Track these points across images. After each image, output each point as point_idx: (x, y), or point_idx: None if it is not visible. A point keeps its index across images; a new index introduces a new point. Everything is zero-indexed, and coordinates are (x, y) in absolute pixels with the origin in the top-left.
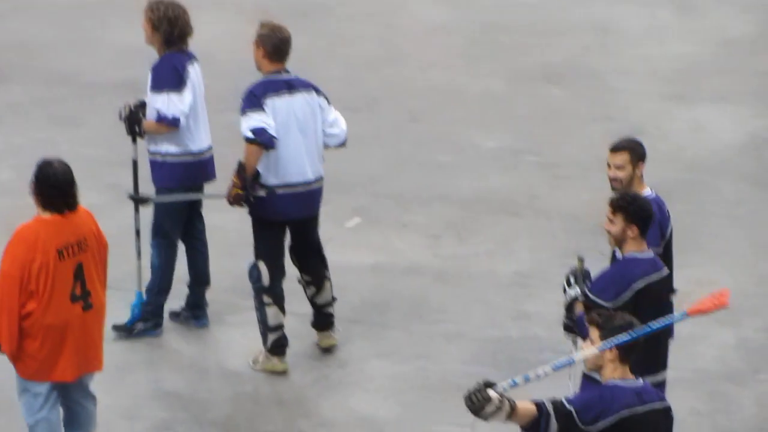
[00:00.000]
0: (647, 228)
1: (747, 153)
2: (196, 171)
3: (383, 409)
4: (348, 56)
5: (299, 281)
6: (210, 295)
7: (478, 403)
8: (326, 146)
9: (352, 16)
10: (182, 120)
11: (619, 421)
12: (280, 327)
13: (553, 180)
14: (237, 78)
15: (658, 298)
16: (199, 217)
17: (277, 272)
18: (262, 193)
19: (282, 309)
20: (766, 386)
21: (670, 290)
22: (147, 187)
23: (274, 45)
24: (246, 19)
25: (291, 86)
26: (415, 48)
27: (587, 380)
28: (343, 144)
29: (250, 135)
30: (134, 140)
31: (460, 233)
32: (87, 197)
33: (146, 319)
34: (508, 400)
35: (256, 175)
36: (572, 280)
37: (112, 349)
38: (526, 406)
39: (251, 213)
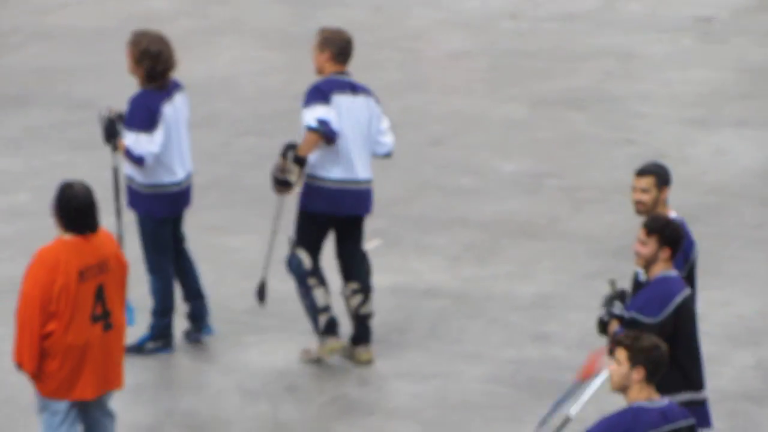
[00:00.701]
0: (678, 251)
1: (766, 177)
2: (167, 203)
3: (402, 428)
4: (370, 81)
5: (342, 293)
6: (228, 315)
7: None
8: (374, 154)
9: (374, 43)
10: (149, 159)
11: None
12: (328, 307)
13: (574, 203)
14: (257, 102)
15: (692, 314)
16: (181, 236)
17: (316, 256)
18: (294, 178)
19: (328, 290)
20: None
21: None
22: None
23: (340, 47)
24: (266, 45)
25: (354, 88)
26: (436, 73)
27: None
28: (389, 155)
29: (314, 124)
30: (113, 149)
31: (480, 256)
32: (104, 220)
33: (156, 339)
34: None
35: (303, 162)
36: (615, 301)
37: (128, 367)
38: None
39: (300, 203)
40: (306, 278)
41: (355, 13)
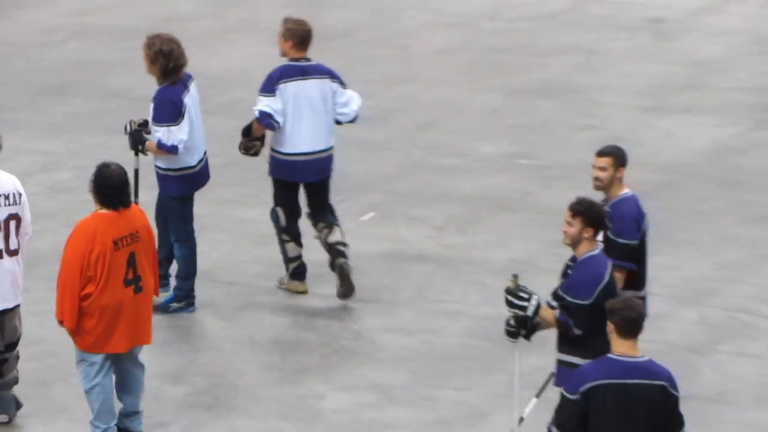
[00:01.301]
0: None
1: (711, 158)
2: (191, 182)
3: (392, 375)
4: (365, 74)
5: (316, 237)
6: (242, 278)
7: None
8: (339, 123)
9: (369, 40)
10: (180, 147)
11: (591, 388)
12: (298, 257)
13: (543, 180)
14: None
15: (614, 288)
16: None
17: (292, 216)
18: (257, 150)
19: (299, 244)
20: (723, 356)
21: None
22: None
23: (301, 36)
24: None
25: (305, 72)
26: (424, 67)
27: (563, 366)
28: (353, 121)
29: (256, 115)
30: (136, 154)
31: (460, 226)
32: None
33: (180, 300)
34: None
35: (260, 138)
36: (523, 294)
37: (155, 325)
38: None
39: (271, 174)
40: (281, 233)
41: (354, 14)
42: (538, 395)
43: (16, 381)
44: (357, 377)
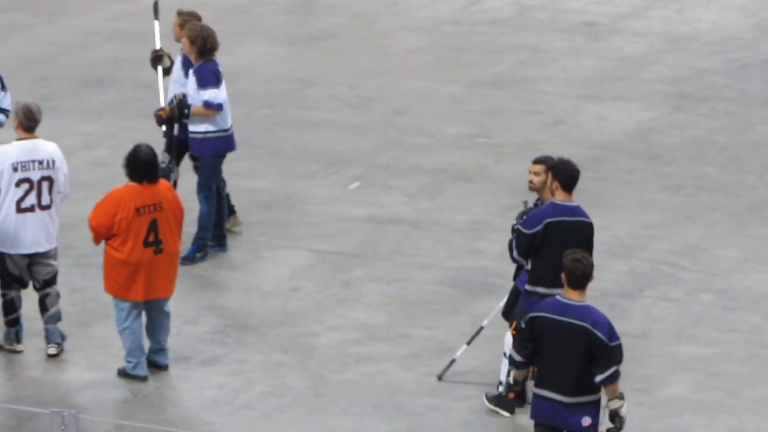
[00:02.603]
0: (569, 185)
1: (636, 136)
2: (226, 143)
3: (374, 317)
4: (349, 68)
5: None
6: (249, 236)
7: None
8: None
9: (352, 41)
10: (225, 105)
11: (535, 318)
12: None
13: (497, 156)
14: (270, 84)
15: (566, 236)
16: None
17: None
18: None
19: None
20: (649, 301)
21: (586, 235)
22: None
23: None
24: (276, 43)
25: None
26: (398, 63)
27: (529, 295)
28: None
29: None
30: (179, 121)
31: (429, 194)
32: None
33: (200, 250)
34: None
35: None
36: (524, 215)
37: (181, 274)
38: None
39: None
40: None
41: (339, 19)
42: (468, 343)
43: (59, 316)
44: (345, 318)
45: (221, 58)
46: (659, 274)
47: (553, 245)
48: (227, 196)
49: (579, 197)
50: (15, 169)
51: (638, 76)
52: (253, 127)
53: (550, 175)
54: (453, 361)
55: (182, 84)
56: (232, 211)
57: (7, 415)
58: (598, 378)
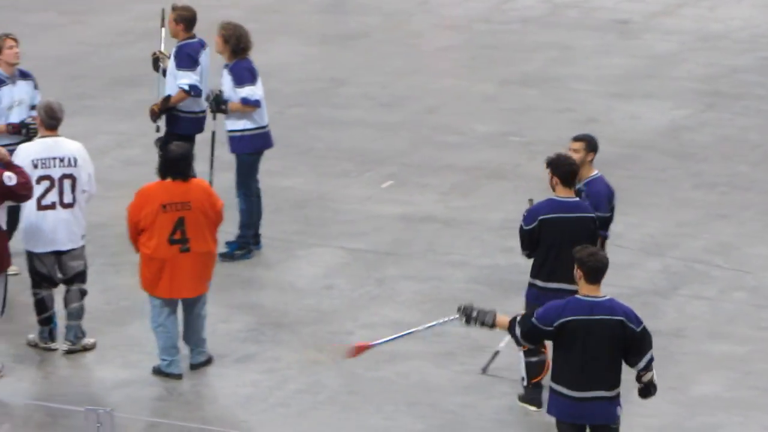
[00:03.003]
0: (568, 179)
1: (668, 135)
2: (264, 140)
3: (408, 315)
4: (382, 67)
5: None
6: (283, 235)
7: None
8: None
9: (386, 40)
10: (261, 101)
11: (565, 322)
12: None
13: (530, 154)
14: (302, 83)
15: (561, 232)
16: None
17: None
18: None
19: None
20: (682, 299)
21: (586, 230)
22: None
23: (189, 20)
24: (308, 42)
25: (202, 44)
26: (431, 62)
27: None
28: None
29: (187, 88)
30: (214, 117)
31: (463, 192)
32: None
33: (241, 248)
34: (491, 312)
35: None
36: None
37: (215, 272)
38: (504, 318)
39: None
40: None
41: (372, 19)
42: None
43: (79, 314)
44: (379, 316)
45: (253, 56)
46: (692, 272)
47: (546, 241)
48: None
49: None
50: (35, 166)
51: (670, 74)
52: (285, 126)
53: (549, 170)
54: (497, 353)
55: (174, 75)
56: None
57: (43, 412)
58: (640, 366)
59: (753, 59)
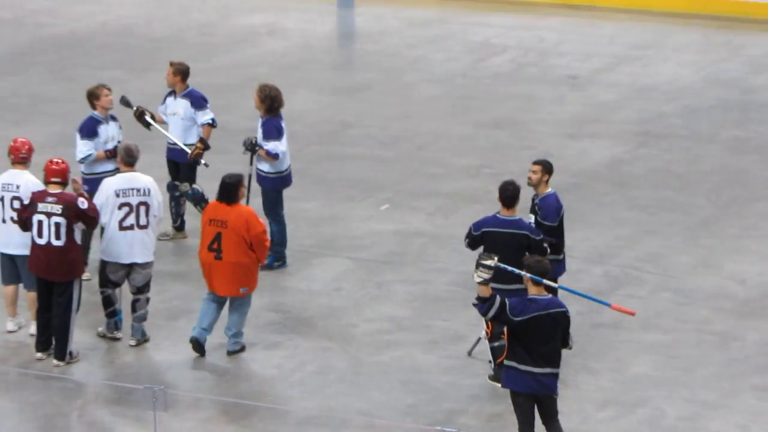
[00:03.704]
0: (508, 201)
1: (609, 166)
2: (283, 181)
3: (401, 311)
4: (381, 113)
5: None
6: (302, 248)
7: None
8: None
9: (384, 91)
10: (281, 155)
11: (529, 318)
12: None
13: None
14: (318, 126)
15: (500, 243)
16: None
17: None
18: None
19: None
20: (620, 298)
21: (518, 243)
22: None
23: (185, 72)
24: (323, 93)
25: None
26: (420, 109)
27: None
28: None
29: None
30: (251, 162)
31: (445, 213)
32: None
33: (278, 260)
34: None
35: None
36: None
37: (263, 275)
38: (488, 289)
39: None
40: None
41: (373, 74)
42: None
43: (144, 317)
44: (378, 312)
45: None
46: (628, 276)
47: (486, 248)
48: (182, 201)
49: (566, 215)
50: (117, 195)
51: (611, 119)
52: (304, 160)
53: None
54: (479, 339)
55: (188, 118)
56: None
57: (110, 390)
58: (571, 345)
59: (677, 106)
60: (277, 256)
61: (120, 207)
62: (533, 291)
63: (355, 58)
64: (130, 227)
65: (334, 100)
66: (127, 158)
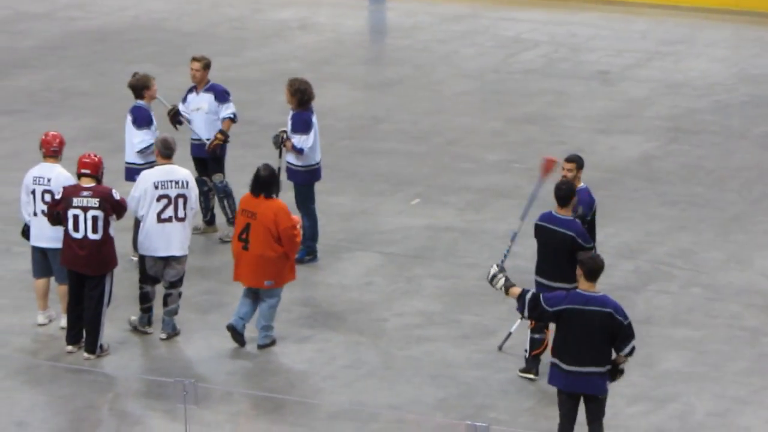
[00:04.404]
0: (560, 199)
1: (640, 162)
2: (313, 175)
3: (432, 306)
4: (412, 108)
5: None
6: (331, 242)
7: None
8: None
9: (415, 86)
10: (306, 150)
11: (564, 309)
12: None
13: (529, 178)
14: (349, 120)
15: (547, 237)
16: None
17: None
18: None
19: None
20: (650, 294)
21: (564, 243)
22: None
23: (210, 66)
24: (354, 88)
25: None
26: (451, 104)
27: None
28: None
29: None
30: (280, 155)
31: (476, 208)
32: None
33: (309, 254)
34: (508, 283)
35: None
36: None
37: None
38: (516, 289)
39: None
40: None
41: (405, 69)
42: (522, 318)
43: (175, 312)
44: (408, 307)
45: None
46: (658, 272)
47: (538, 241)
48: (210, 195)
49: (597, 210)
50: (156, 187)
51: (642, 114)
52: (335, 155)
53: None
54: (509, 334)
55: (213, 111)
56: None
57: (140, 383)
58: (625, 351)
59: (708, 102)
60: (308, 250)
61: (158, 199)
62: (582, 286)
63: (386, 53)
64: (169, 219)
65: (365, 95)
66: (165, 150)
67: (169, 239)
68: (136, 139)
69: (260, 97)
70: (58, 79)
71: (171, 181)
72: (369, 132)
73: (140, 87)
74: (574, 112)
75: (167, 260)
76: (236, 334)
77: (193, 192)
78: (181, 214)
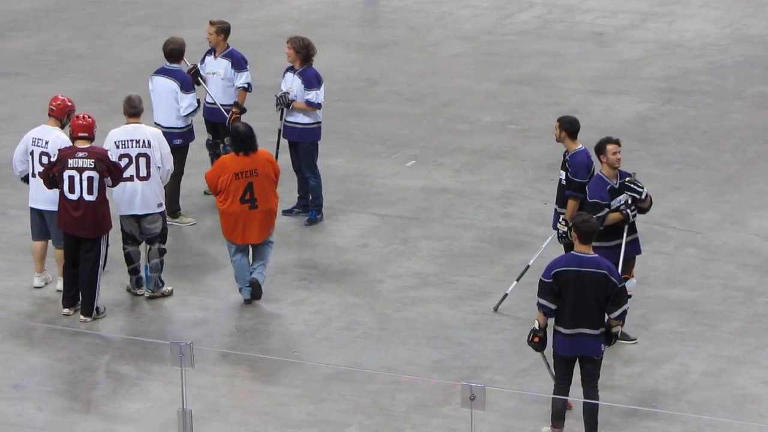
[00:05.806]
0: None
1: (634, 123)
2: (318, 132)
3: (427, 267)
4: (407, 69)
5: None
6: (328, 204)
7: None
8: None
9: (410, 47)
10: (322, 104)
11: (559, 271)
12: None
13: (524, 139)
14: (344, 82)
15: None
16: None
17: None
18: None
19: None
20: (645, 254)
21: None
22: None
23: (228, 30)
24: (349, 50)
25: None
26: (446, 65)
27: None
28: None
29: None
30: (281, 117)
31: (471, 169)
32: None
33: (319, 213)
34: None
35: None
36: (640, 184)
37: (275, 233)
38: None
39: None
40: None
41: (399, 31)
42: (518, 279)
43: (158, 268)
44: (404, 268)
45: None
46: (654, 232)
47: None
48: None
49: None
50: (117, 146)
51: (636, 75)
52: (330, 117)
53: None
54: (505, 295)
55: (228, 78)
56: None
57: (136, 346)
58: (615, 314)
59: (702, 63)
60: (318, 209)
61: (120, 158)
62: (577, 248)
63: (381, 15)
64: (130, 179)
65: (360, 57)
66: (130, 109)
67: (131, 198)
68: (185, 102)
69: (255, 59)
70: (53, 42)
71: (132, 140)
72: (364, 94)
73: (181, 51)
74: (568, 74)
75: (139, 218)
76: (258, 288)
77: (158, 151)
78: (143, 173)
